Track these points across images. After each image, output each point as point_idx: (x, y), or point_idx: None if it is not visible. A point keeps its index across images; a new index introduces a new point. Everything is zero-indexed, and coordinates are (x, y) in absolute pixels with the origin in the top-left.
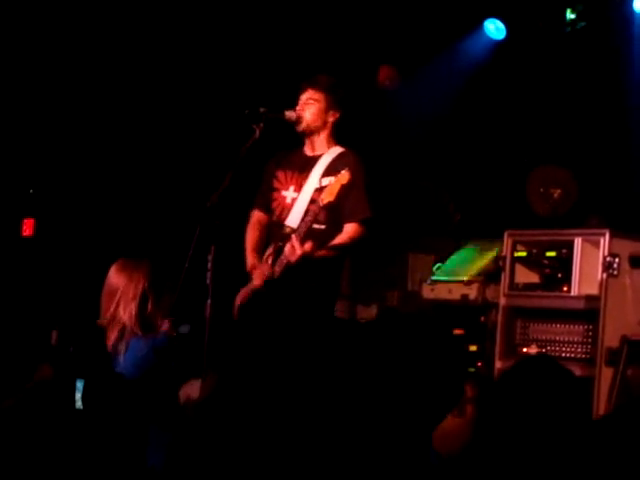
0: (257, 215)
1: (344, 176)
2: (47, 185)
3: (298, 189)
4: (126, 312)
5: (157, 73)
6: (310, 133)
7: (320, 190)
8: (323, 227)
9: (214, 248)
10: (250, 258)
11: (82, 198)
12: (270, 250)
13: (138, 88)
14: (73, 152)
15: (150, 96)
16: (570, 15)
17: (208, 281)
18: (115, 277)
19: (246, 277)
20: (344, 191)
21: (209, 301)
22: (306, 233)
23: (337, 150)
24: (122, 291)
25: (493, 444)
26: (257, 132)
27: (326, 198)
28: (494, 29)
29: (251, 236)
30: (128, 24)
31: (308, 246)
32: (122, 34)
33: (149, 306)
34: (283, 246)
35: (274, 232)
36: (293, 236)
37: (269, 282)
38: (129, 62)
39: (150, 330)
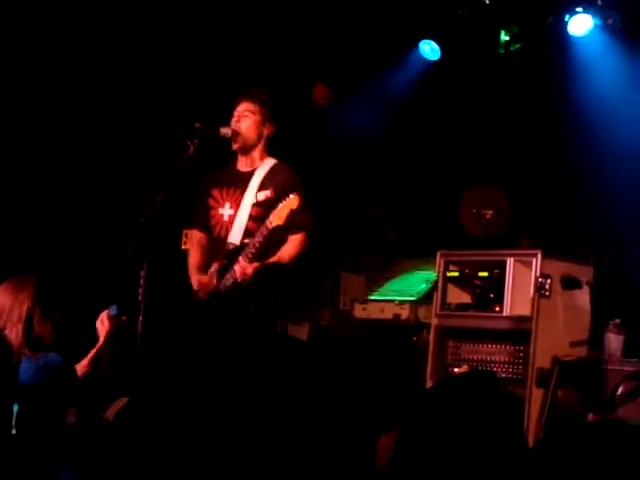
0: (196, 235)
1: (293, 201)
2: None
3: (235, 206)
4: (12, 333)
5: (92, 90)
6: (245, 149)
7: (257, 205)
8: (261, 240)
9: (146, 264)
10: (195, 277)
11: (11, 211)
12: (215, 267)
13: (76, 102)
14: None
15: (86, 111)
16: (504, 37)
17: (140, 297)
18: (0, 298)
19: (179, 293)
20: (293, 215)
21: (141, 317)
22: (255, 253)
23: (270, 162)
24: (7, 313)
25: (413, 461)
26: (191, 148)
27: (275, 221)
28: (429, 50)
29: (193, 256)
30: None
31: (257, 264)
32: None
33: (36, 325)
34: (228, 264)
35: (216, 249)
36: (240, 258)
37: (214, 297)
38: (65, 73)
39: (40, 349)
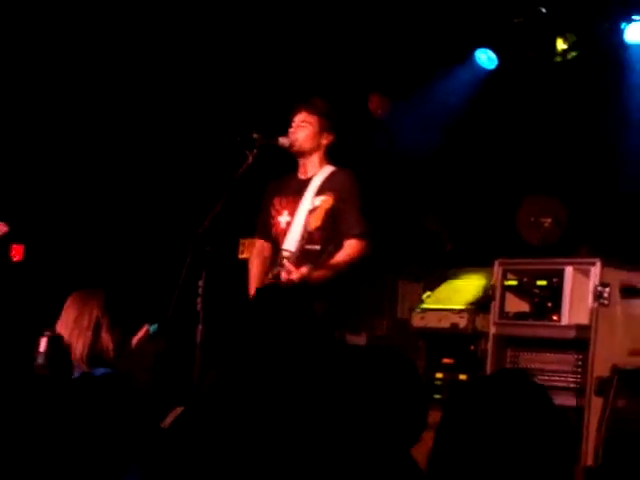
0: (258, 244)
1: (327, 201)
2: (38, 211)
3: (292, 213)
4: (79, 343)
5: (150, 100)
6: (303, 155)
7: (313, 211)
8: (317, 247)
9: (205, 274)
10: (255, 286)
11: (73, 223)
12: (269, 276)
13: (130, 113)
14: (63, 177)
15: (142, 121)
16: (561, 45)
17: (199, 307)
18: (68, 309)
19: (236, 303)
20: (330, 214)
21: (200, 327)
22: (299, 257)
23: (329, 169)
24: (75, 321)
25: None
26: (250, 158)
27: (313, 223)
28: (485, 59)
29: (254, 267)
30: (120, 47)
31: (304, 269)
32: (114, 56)
33: (103, 334)
34: (280, 272)
35: (274, 258)
36: (285, 261)
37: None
38: (123, 86)
39: (99, 363)
